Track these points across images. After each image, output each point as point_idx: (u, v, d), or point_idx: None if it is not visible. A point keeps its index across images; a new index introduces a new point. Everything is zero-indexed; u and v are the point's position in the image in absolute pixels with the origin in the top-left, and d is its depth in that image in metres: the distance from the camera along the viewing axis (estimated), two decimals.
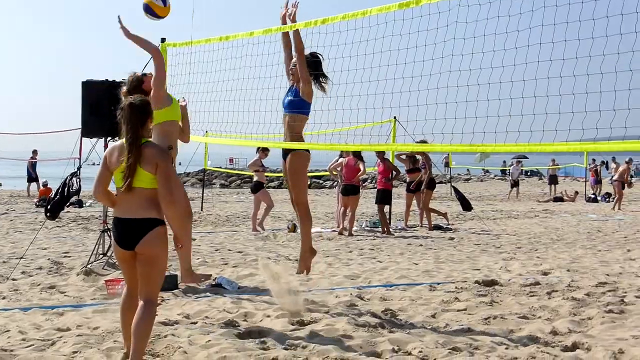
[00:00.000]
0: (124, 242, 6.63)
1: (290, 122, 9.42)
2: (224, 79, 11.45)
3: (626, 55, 6.93)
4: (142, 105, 6.70)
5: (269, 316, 8.89)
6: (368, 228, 21.74)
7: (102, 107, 12.02)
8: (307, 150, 9.63)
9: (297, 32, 9.46)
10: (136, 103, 6.67)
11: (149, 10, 9.73)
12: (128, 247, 6.62)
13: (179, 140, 9.67)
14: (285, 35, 9.79)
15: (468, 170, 72.20)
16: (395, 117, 20.52)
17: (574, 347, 7.62)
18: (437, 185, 26.74)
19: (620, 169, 33.13)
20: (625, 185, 32.94)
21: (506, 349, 7.50)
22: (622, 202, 31.75)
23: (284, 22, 9.76)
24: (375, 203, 21.22)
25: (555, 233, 20.59)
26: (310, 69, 9.44)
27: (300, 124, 9.44)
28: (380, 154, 21.05)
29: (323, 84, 9.58)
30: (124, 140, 6.64)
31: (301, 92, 9.29)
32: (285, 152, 9.63)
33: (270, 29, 9.90)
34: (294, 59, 9.53)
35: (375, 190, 22.47)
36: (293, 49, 9.57)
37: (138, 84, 8.96)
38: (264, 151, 20.58)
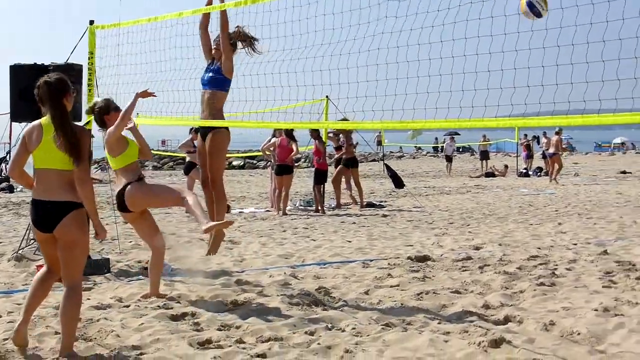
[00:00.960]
0: (42, 224, 6.51)
1: (210, 99, 9.36)
2: (154, 60, 11.33)
3: (554, 31, 7.02)
4: (58, 82, 6.56)
5: (202, 297, 8.85)
6: (302, 207, 21.75)
7: (31, 91, 11.71)
8: (227, 129, 9.58)
9: (223, 11, 9.40)
10: (52, 80, 6.55)
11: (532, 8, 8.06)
12: (46, 230, 6.50)
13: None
14: (206, 16, 9.70)
15: (400, 147, 72.57)
16: (327, 96, 20.50)
17: (506, 320, 7.72)
18: (370, 162, 26.73)
19: (554, 140, 33.29)
20: (563, 153, 33.21)
21: (439, 323, 7.56)
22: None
23: (210, 2, 9.66)
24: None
25: (487, 208, 20.83)
26: (237, 39, 9.40)
27: (221, 101, 9.40)
28: (314, 134, 21.03)
29: (255, 47, 9.51)
30: (43, 119, 6.52)
31: (223, 68, 9.23)
32: (206, 131, 9.58)
33: (200, 9, 9.78)
34: (217, 35, 9.47)
35: (308, 169, 22.44)
36: (216, 27, 9.49)
37: (103, 111, 8.72)
38: (196, 132, 20.43)
